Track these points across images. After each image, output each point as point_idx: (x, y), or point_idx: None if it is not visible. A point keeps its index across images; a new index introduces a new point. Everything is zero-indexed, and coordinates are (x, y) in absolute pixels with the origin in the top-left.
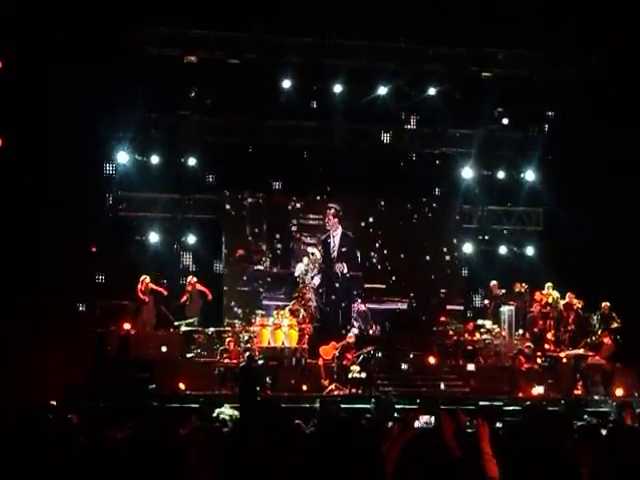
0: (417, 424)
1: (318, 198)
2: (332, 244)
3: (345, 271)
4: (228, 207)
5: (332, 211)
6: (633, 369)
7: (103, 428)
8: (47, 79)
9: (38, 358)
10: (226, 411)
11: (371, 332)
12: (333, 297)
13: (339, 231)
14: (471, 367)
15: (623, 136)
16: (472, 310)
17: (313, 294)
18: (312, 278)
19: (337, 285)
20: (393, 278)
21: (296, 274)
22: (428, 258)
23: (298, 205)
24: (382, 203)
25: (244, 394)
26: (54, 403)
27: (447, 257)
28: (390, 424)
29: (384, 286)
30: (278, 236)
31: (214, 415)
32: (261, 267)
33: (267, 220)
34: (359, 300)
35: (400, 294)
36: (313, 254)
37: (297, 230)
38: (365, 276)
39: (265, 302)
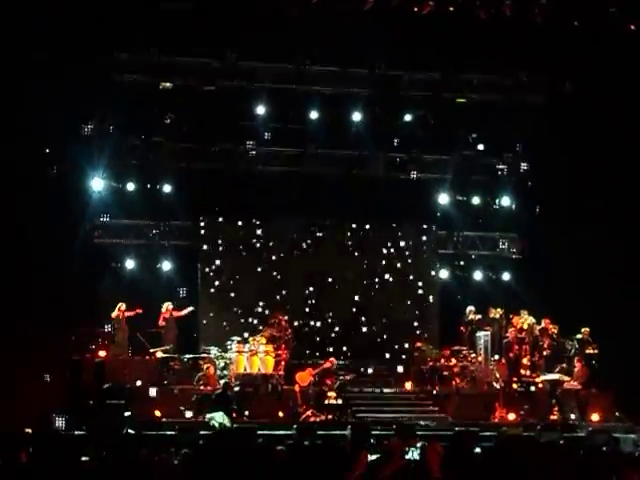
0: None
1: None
2: None
3: None
4: (204, 233)
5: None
6: (608, 395)
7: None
8: (22, 105)
9: (13, 386)
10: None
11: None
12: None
13: None
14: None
15: (597, 160)
16: (448, 336)
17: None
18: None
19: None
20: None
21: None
22: (403, 284)
23: (272, 232)
24: (357, 229)
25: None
26: (29, 431)
27: (422, 282)
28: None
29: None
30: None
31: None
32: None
33: (243, 246)
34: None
35: (375, 320)
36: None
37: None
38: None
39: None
